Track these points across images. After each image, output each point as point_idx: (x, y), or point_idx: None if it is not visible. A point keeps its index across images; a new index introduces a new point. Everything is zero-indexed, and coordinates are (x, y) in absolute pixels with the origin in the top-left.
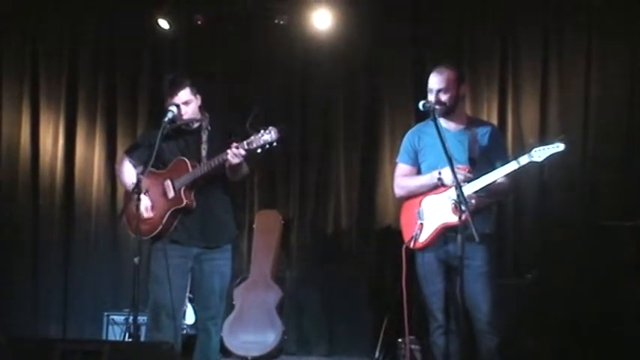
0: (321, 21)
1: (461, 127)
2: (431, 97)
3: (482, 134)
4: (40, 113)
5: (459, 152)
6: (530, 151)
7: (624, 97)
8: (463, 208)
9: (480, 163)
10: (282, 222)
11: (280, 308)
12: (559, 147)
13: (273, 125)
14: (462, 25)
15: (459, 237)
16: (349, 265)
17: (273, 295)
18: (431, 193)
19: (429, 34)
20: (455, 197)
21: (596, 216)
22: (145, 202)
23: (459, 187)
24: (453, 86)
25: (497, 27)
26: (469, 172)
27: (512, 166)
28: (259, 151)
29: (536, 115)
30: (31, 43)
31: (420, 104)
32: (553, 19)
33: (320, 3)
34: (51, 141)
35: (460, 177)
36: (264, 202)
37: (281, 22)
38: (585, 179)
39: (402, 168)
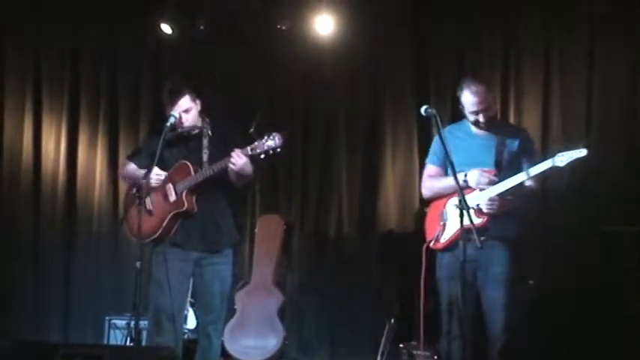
0: (324, 26)
1: (489, 131)
2: (472, 117)
3: (512, 139)
4: (42, 117)
5: (486, 156)
6: (554, 156)
7: (626, 102)
8: (465, 213)
9: (508, 167)
10: (284, 227)
11: (281, 313)
12: (582, 152)
13: (277, 131)
14: (463, 32)
15: (461, 242)
16: (350, 270)
17: (275, 300)
18: (455, 195)
19: (431, 40)
20: (480, 202)
21: (598, 222)
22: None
23: (461, 193)
24: (492, 99)
25: (499, 33)
26: (494, 175)
27: (537, 169)
28: (263, 156)
29: (538, 122)
30: (34, 48)
31: (422, 110)
32: (555, 26)
33: (322, 8)
34: (53, 145)
35: (484, 180)
36: (265, 206)
37: (283, 28)
38: (587, 184)
39: (429, 169)
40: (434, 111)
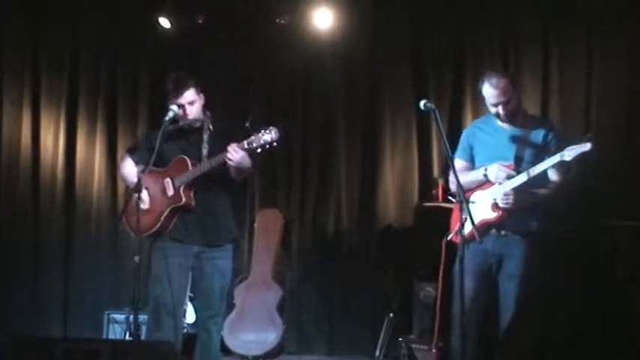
0: (322, 20)
1: (516, 125)
2: (493, 110)
3: (536, 133)
4: (40, 112)
5: (510, 150)
6: (563, 150)
7: (625, 98)
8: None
9: (531, 162)
10: (283, 221)
11: (281, 307)
12: (586, 146)
13: (274, 125)
14: (462, 25)
15: (460, 237)
16: (350, 264)
17: (274, 295)
18: (479, 189)
19: (430, 34)
20: (496, 196)
21: (596, 216)
22: (145, 198)
23: (460, 187)
24: (514, 93)
25: (498, 26)
26: (513, 169)
27: (544, 165)
28: (259, 150)
29: (537, 114)
30: (32, 41)
31: (421, 104)
32: (554, 20)
33: (321, 2)
34: (52, 140)
35: (503, 174)
36: (265, 201)
37: (282, 22)
38: (586, 179)
39: (457, 163)
40: (433, 105)
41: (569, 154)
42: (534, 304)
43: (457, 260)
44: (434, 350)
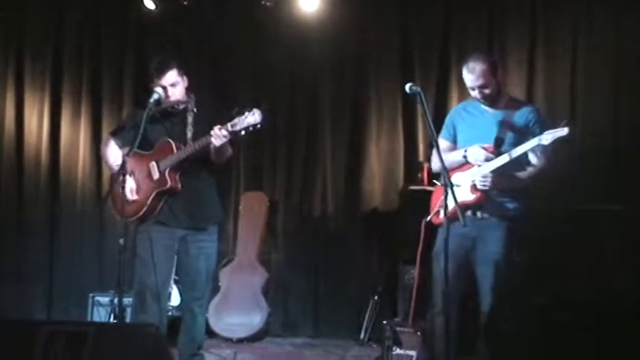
0: (308, 3)
1: (499, 109)
2: (474, 94)
3: (519, 116)
4: (24, 94)
5: (491, 132)
6: (542, 133)
7: (611, 81)
8: (451, 193)
9: (513, 144)
10: (268, 204)
11: (266, 290)
12: (563, 131)
13: (257, 107)
14: (449, 9)
15: (445, 220)
16: (335, 247)
17: (259, 277)
18: (459, 170)
19: (417, 17)
20: (475, 178)
21: (581, 200)
22: (130, 184)
23: (444, 171)
24: (491, 77)
25: (485, 10)
26: (492, 151)
27: (522, 148)
28: (243, 133)
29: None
30: (16, 23)
31: (407, 87)
32: (541, 6)
33: None
34: (36, 122)
35: (482, 156)
36: (250, 183)
37: (268, 4)
38: (572, 164)
39: (440, 143)
40: (418, 88)
41: (547, 137)
42: (517, 288)
43: (437, 243)
44: (419, 333)
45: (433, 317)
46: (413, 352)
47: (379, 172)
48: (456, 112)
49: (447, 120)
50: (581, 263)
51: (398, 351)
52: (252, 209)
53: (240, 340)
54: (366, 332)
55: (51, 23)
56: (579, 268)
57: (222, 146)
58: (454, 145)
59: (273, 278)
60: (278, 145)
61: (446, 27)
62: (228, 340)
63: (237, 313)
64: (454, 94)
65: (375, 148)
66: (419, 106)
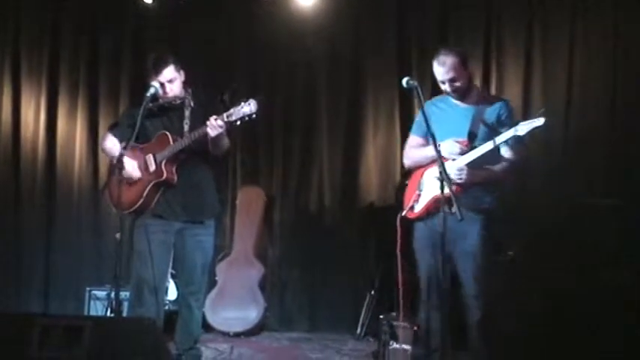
0: None
1: (470, 103)
2: (444, 87)
3: (492, 110)
4: (21, 87)
5: (463, 127)
6: (517, 125)
7: (607, 74)
8: (446, 184)
9: (485, 138)
10: (265, 198)
11: (262, 285)
12: (540, 121)
13: (253, 97)
14: (446, 4)
15: (442, 214)
16: (332, 242)
17: (256, 272)
18: (433, 165)
19: (415, 11)
20: (450, 171)
21: (577, 195)
22: (130, 168)
23: (441, 164)
24: (462, 70)
25: (482, 5)
26: (466, 145)
27: (499, 139)
28: (239, 123)
29: (519, 93)
30: (13, 17)
31: (404, 81)
32: (537, 3)
33: None
34: (32, 116)
35: (456, 150)
36: (247, 178)
37: None
38: (567, 156)
39: (412, 139)
40: (415, 83)
41: (523, 128)
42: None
43: (417, 238)
44: (415, 328)
45: (429, 312)
46: (409, 347)
47: (376, 167)
48: (426, 108)
49: (419, 116)
50: (579, 258)
51: (394, 345)
52: (249, 204)
53: (237, 335)
54: (362, 327)
55: (48, 17)
56: (576, 263)
57: (218, 137)
58: (426, 140)
59: (270, 273)
60: (275, 140)
61: (443, 21)
62: (225, 335)
63: (234, 307)
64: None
65: (372, 143)
66: (415, 101)
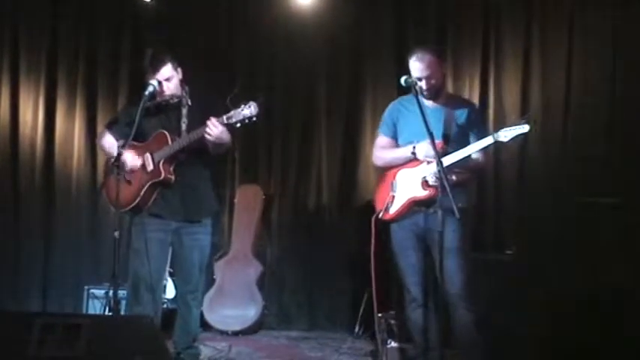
0: None
1: (439, 104)
2: (419, 84)
3: (461, 112)
4: (19, 86)
5: (435, 129)
6: (498, 131)
7: (606, 74)
8: (445, 183)
9: (456, 141)
10: (263, 197)
11: (261, 283)
12: (524, 128)
13: (254, 100)
14: (445, 4)
15: (439, 212)
16: (330, 240)
17: (254, 270)
18: (406, 167)
19: (413, 12)
20: (426, 174)
21: (576, 193)
22: (131, 157)
23: (440, 162)
24: (438, 69)
25: (481, 6)
26: (442, 147)
27: (479, 145)
28: (239, 125)
29: (518, 94)
30: (11, 15)
31: (402, 80)
32: (537, 2)
33: None
34: (31, 114)
35: (432, 152)
36: (245, 176)
37: None
38: (566, 156)
39: (381, 139)
40: (414, 81)
41: (506, 134)
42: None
43: (396, 238)
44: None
45: (413, 311)
46: (407, 345)
47: (374, 167)
48: (394, 108)
49: (386, 116)
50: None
51: (392, 344)
52: (247, 202)
53: (235, 333)
54: (360, 325)
55: (46, 15)
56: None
57: (219, 138)
58: (394, 141)
59: (268, 271)
60: (273, 138)
61: (441, 19)
62: (223, 333)
63: (232, 305)
64: (449, 86)
65: (370, 140)
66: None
